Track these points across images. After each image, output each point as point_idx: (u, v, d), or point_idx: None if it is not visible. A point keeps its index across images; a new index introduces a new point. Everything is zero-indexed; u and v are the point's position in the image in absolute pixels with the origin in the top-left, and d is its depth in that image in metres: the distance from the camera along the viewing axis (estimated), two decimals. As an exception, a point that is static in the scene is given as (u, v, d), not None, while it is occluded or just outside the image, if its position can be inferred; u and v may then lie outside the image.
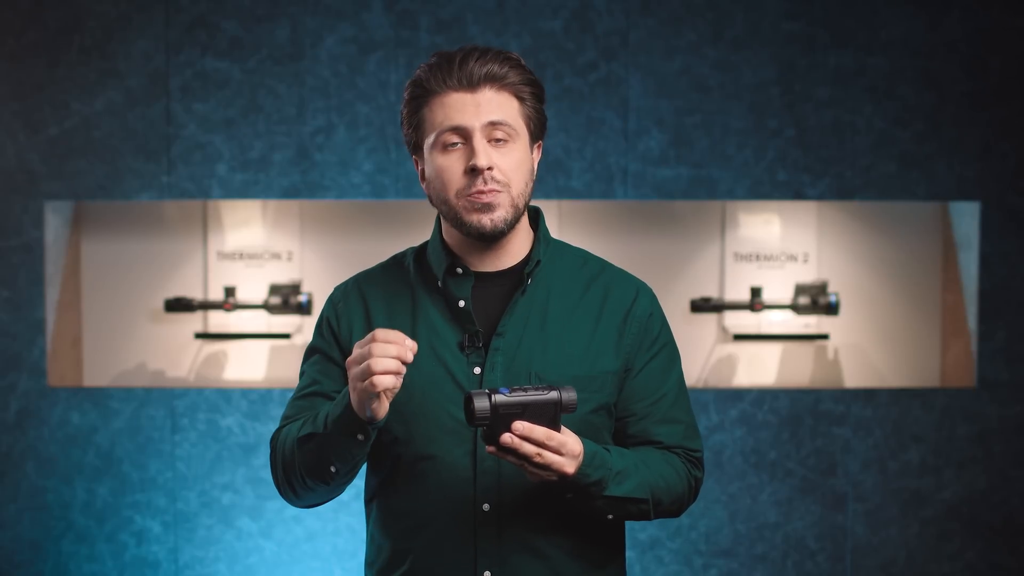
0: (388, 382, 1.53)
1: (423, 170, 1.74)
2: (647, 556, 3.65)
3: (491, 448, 1.54)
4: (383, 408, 1.57)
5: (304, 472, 1.68)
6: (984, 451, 3.66)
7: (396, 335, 1.54)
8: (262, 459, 3.64)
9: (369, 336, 1.55)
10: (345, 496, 3.62)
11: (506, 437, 1.52)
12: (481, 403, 1.51)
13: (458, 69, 1.66)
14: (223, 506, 3.64)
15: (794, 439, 3.65)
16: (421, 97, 1.69)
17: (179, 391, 3.65)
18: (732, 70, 3.63)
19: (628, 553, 3.56)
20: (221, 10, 3.62)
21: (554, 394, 1.54)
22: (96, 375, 3.97)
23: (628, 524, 1.89)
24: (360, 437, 1.61)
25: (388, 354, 1.53)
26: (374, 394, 1.54)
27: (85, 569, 3.66)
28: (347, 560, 3.64)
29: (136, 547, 3.65)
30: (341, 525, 3.65)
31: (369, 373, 1.53)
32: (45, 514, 3.66)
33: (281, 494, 1.78)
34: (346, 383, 1.76)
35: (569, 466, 1.56)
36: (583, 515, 1.69)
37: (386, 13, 3.62)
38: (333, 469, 1.65)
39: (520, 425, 1.52)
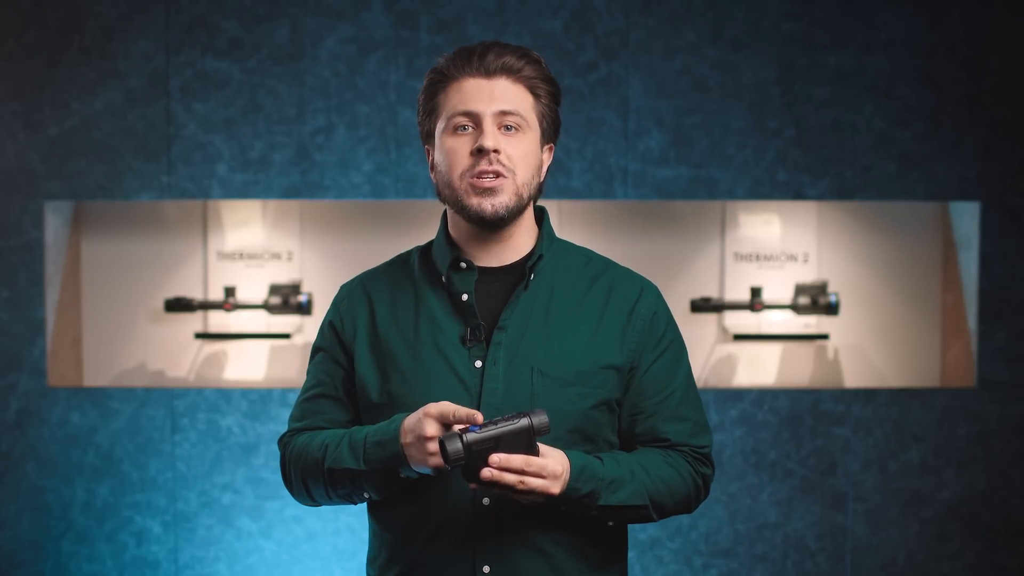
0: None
1: (433, 159, 1.75)
2: (647, 556, 3.65)
3: (474, 485, 1.56)
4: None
5: (333, 493, 1.72)
6: (984, 451, 3.66)
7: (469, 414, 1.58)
8: (262, 459, 3.64)
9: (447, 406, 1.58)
10: (345, 496, 3.62)
11: (485, 472, 1.54)
12: (453, 445, 1.52)
13: (477, 58, 1.70)
14: (223, 506, 3.64)
15: (794, 439, 3.65)
16: (439, 83, 1.72)
17: (179, 391, 3.65)
18: (732, 70, 3.63)
19: (628, 553, 3.56)
20: (221, 10, 3.62)
21: (525, 420, 1.55)
22: (96, 375, 3.97)
23: (630, 525, 1.88)
24: (402, 475, 1.65)
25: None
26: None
27: (85, 569, 3.66)
28: (347, 560, 3.64)
29: (136, 547, 3.65)
30: (341, 525, 3.65)
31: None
32: (45, 514, 3.66)
33: (296, 498, 1.80)
34: (348, 382, 1.76)
35: (554, 487, 1.58)
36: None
37: (386, 13, 3.62)
38: (367, 496, 1.70)
39: (496, 458, 1.54)
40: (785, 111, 3.63)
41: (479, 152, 1.67)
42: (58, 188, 3.65)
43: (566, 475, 1.59)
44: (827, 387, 3.83)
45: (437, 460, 1.58)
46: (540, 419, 1.55)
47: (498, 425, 1.54)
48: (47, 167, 3.64)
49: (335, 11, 3.62)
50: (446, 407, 1.58)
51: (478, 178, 1.68)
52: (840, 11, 3.62)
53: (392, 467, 1.63)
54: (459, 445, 1.52)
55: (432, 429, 1.57)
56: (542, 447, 1.58)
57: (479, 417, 1.56)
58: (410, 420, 1.61)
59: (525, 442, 1.55)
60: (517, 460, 1.54)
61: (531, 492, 1.56)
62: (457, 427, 1.56)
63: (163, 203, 3.94)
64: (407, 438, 1.60)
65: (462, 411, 1.57)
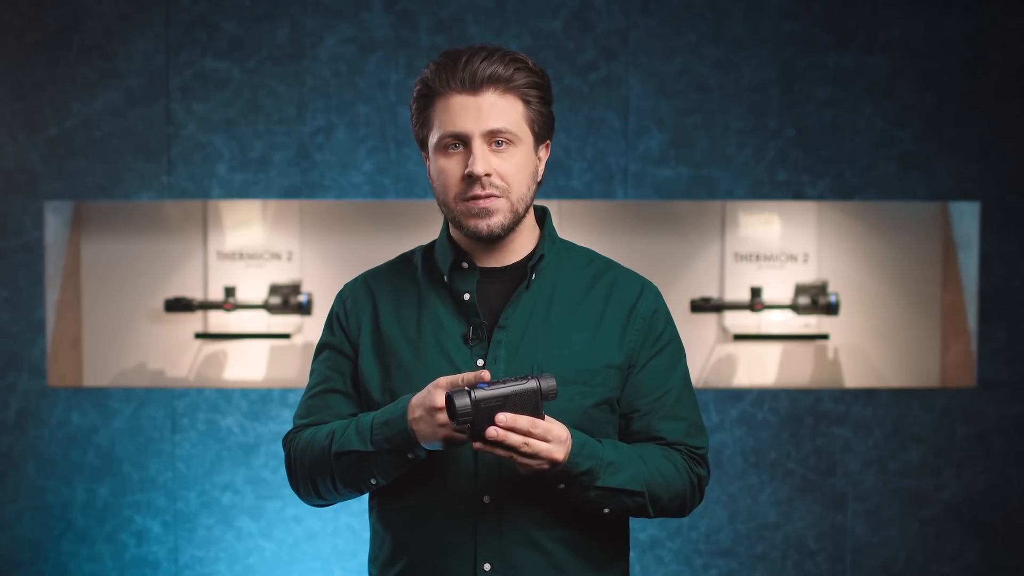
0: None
1: (430, 170, 1.75)
2: (647, 556, 3.65)
3: (478, 444, 1.55)
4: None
5: (340, 482, 1.71)
6: (984, 451, 3.66)
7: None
8: (262, 459, 3.64)
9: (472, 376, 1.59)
10: (345, 496, 3.62)
11: (491, 430, 1.53)
12: (462, 400, 1.53)
13: (462, 70, 1.66)
14: (223, 506, 3.64)
15: (794, 439, 3.65)
16: (427, 96, 1.71)
17: (179, 391, 3.65)
18: (732, 70, 3.63)
19: (629, 554, 3.56)
20: (221, 10, 3.62)
21: (533, 383, 1.55)
22: (96, 375, 3.97)
23: (631, 524, 1.88)
24: (410, 456, 1.64)
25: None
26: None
27: (85, 569, 3.66)
28: (347, 560, 3.64)
29: (136, 547, 3.65)
30: (341, 525, 3.65)
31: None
32: (45, 514, 3.66)
33: (302, 497, 1.80)
34: (357, 376, 1.77)
35: (558, 452, 1.57)
36: (583, 510, 1.69)
37: (386, 13, 3.62)
38: (374, 482, 1.69)
39: (503, 416, 1.53)
40: (785, 111, 3.63)
41: (470, 177, 1.67)
42: (58, 188, 3.65)
43: (569, 443, 1.59)
44: (827, 387, 3.83)
45: (447, 431, 1.58)
46: (548, 383, 1.56)
47: (507, 384, 1.54)
48: (47, 167, 3.64)
49: (335, 11, 3.62)
50: (455, 377, 1.58)
51: (472, 201, 1.68)
52: (840, 11, 3.62)
53: (400, 447, 1.63)
54: (467, 400, 1.52)
55: (443, 400, 1.58)
56: (546, 417, 1.58)
57: (486, 375, 1.56)
58: (419, 395, 1.61)
59: (532, 405, 1.55)
60: (523, 421, 1.54)
61: (535, 456, 1.56)
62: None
63: (163, 203, 3.94)
64: (416, 413, 1.60)
65: (469, 375, 1.57)
